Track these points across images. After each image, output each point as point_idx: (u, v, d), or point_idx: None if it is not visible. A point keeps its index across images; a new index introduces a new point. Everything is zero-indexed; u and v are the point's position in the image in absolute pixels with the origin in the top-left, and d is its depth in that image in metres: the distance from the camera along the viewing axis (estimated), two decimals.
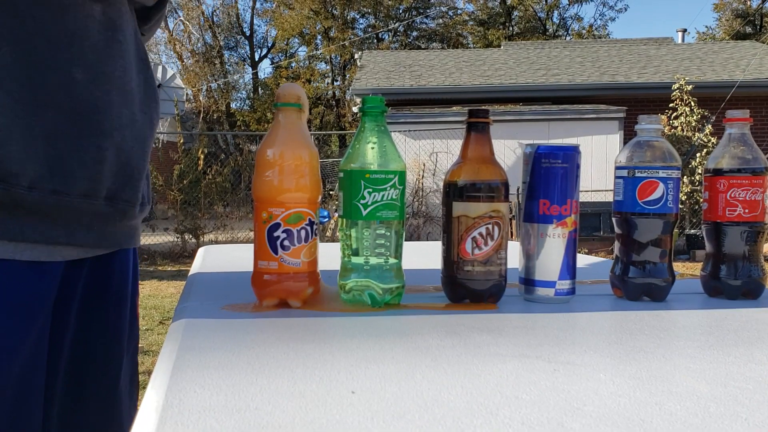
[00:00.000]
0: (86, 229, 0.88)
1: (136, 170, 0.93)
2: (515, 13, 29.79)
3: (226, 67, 27.85)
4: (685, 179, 9.78)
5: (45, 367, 0.87)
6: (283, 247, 0.87)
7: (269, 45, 30.21)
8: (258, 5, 33.87)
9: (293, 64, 29.15)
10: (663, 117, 10.06)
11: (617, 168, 1.02)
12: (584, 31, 30.21)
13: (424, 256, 1.55)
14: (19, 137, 0.77)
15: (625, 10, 37.20)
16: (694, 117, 10.44)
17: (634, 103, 11.81)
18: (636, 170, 0.99)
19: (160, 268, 8.41)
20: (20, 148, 0.77)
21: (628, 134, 10.60)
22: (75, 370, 0.94)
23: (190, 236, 9.63)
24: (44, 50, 0.79)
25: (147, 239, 9.88)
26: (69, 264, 0.89)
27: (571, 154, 0.95)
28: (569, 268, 0.95)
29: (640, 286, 1.00)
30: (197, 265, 1.39)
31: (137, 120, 0.92)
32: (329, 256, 1.05)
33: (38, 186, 0.79)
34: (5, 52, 0.75)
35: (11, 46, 0.76)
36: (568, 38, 28.79)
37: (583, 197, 9.40)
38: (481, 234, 0.92)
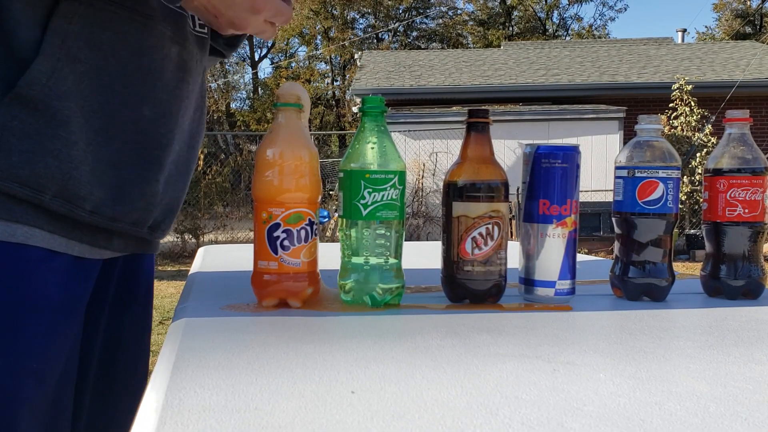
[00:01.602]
0: (120, 239, 0.94)
1: (177, 203, 1.00)
2: (515, 13, 29.80)
3: (226, 67, 27.84)
4: (685, 179, 9.78)
5: (78, 359, 0.92)
6: (283, 247, 0.87)
7: (269, 45, 30.22)
8: None
9: (293, 64, 29.16)
10: (663, 117, 10.07)
11: (617, 168, 1.02)
12: (584, 31, 30.22)
13: (424, 256, 1.55)
14: (90, 162, 0.83)
15: (625, 10, 37.34)
16: (694, 117, 10.45)
17: (634, 103, 11.81)
18: (636, 170, 0.99)
19: (160, 268, 8.41)
20: (89, 172, 0.83)
21: (628, 134, 10.60)
22: (107, 363, 1.00)
23: (190, 236, 9.63)
24: (120, 86, 0.85)
25: None
26: (105, 262, 0.95)
27: (571, 154, 0.95)
28: (569, 268, 0.95)
29: (640, 286, 1.00)
30: (197, 265, 1.39)
31: (183, 155, 0.99)
32: (329, 256, 1.05)
33: (99, 212, 0.86)
34: (87, 84, 0.82)
35: (92, 79, 0.82)
36: (567, 38, 28.79)
37: (583, 197, 9.40)
38: (481, 234, 0.92)
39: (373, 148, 0.89)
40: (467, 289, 0.93)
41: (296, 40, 29.41)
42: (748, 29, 26.98)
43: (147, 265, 1.08)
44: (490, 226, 0.92)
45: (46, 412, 0.84)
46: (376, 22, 28.72)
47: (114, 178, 0.86)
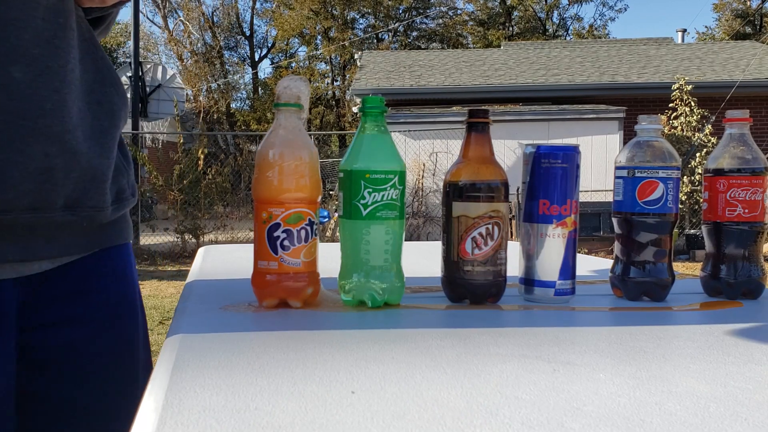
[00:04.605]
0: (44, 241, 0.80)
1: (98, 171, 0.83)
2: (515, 13, 29.80)
3: (226, 67, 27.85)
4: (685, 179, 9.77)
5: (13, 387, 0.82)
6: (283, 247, 0.87)
7: (269, 45, 30.24)
8: (258, 5, 33.83)
9: (293, 64, 29.17)
10: (663, 117, 10.06)
11: (617, 168, 1.02)
12: (584, 31, 30.22)
13: (424, 256, 1.55)
14: None
15: (625, 10, 37.44)
16: (694, 117, 10.44)
17: (634, 103, 11.80)
18: (636, 170, 0.99)
19: (160, 268, 8.41)
20: None
21: (628, 134, 10.60)
22: (68, 378, 0.89)
23: (190, 236, 9.63)
24: None
25: (147, 239, 9.87)
26: (37, 277, 0.83)
27: (570, 154, 0.95)
28: (569, 268, 0.95)
29: (640, 286, 0.99)
30: (197, 265, 1.39)
31: (89, 115, 0.82)
32: (329, 256, 1.05)
33: None
34: None
35: None
36: (568, 38, 28.80)
37: (583, 197, 9.40)
38: (481, 234, 0.92)
39: (373, 148, 0.89)
40: (467, 289, 0.93)
41: (296, 40, 29.44)
42: (748, 29, 26.98)
43: (107, 265, 0.91)
44: (490, 226, 0.92)
45: None
46: (376, 22, 28.72)
47: None
